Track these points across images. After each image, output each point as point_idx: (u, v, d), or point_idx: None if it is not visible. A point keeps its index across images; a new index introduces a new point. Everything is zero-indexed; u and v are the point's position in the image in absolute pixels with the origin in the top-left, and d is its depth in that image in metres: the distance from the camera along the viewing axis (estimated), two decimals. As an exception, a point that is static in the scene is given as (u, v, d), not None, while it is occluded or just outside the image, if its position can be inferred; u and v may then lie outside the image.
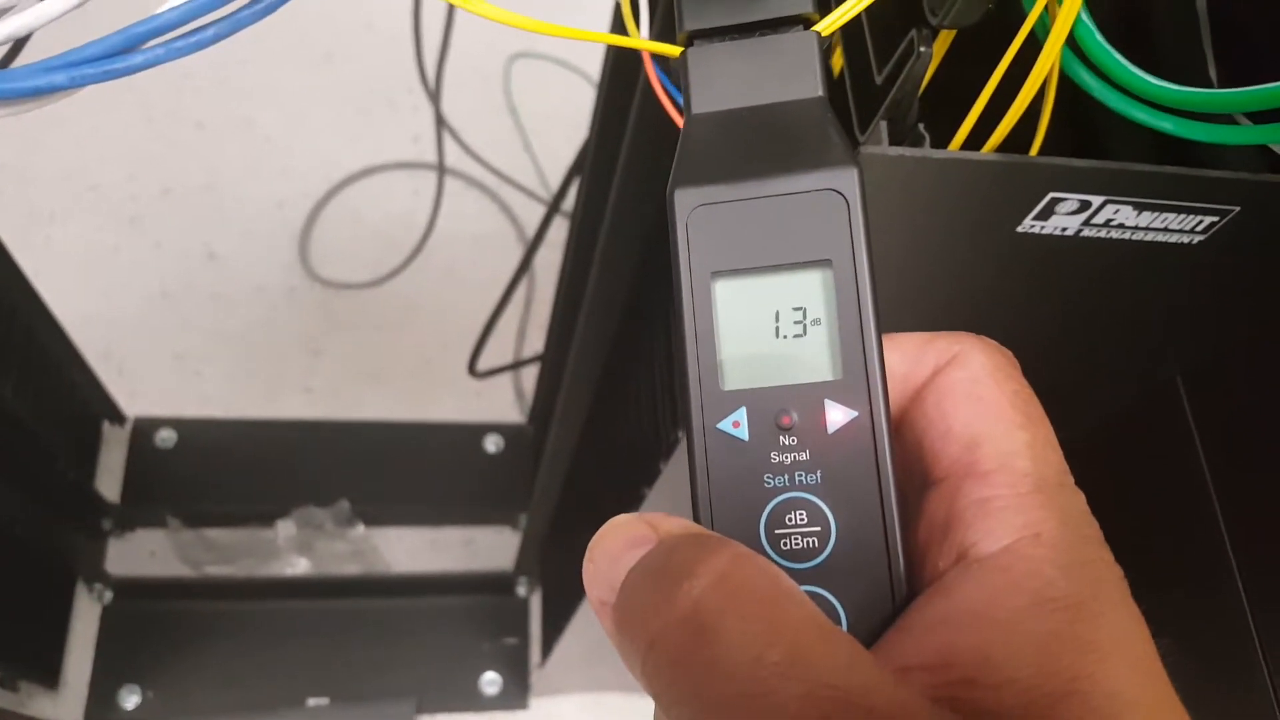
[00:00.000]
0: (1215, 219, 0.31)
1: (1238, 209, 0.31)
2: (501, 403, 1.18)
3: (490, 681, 1.04)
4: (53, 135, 1.26)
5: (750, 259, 0.22)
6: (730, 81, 0.24)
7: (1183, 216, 0.31)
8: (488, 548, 1.12)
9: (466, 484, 1.11)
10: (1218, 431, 0.38)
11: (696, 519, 0.22)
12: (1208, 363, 0.39)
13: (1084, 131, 0.35)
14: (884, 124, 0.30)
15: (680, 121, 0.26)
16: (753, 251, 0.22)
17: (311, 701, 0.99)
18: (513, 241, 1.28)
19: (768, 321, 0.22)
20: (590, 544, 0.21)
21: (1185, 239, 0.32)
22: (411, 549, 1.10)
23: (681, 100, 0.25)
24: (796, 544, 0.21)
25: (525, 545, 1.03)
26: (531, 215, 1.27)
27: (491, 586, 1.07)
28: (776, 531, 0.21)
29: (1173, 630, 0.38)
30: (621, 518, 0.21)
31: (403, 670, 1.03)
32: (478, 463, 1.12)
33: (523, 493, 1.08)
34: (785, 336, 0.21)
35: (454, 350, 1.11)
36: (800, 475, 0.21)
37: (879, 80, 0.31)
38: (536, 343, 1.12)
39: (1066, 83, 0.31)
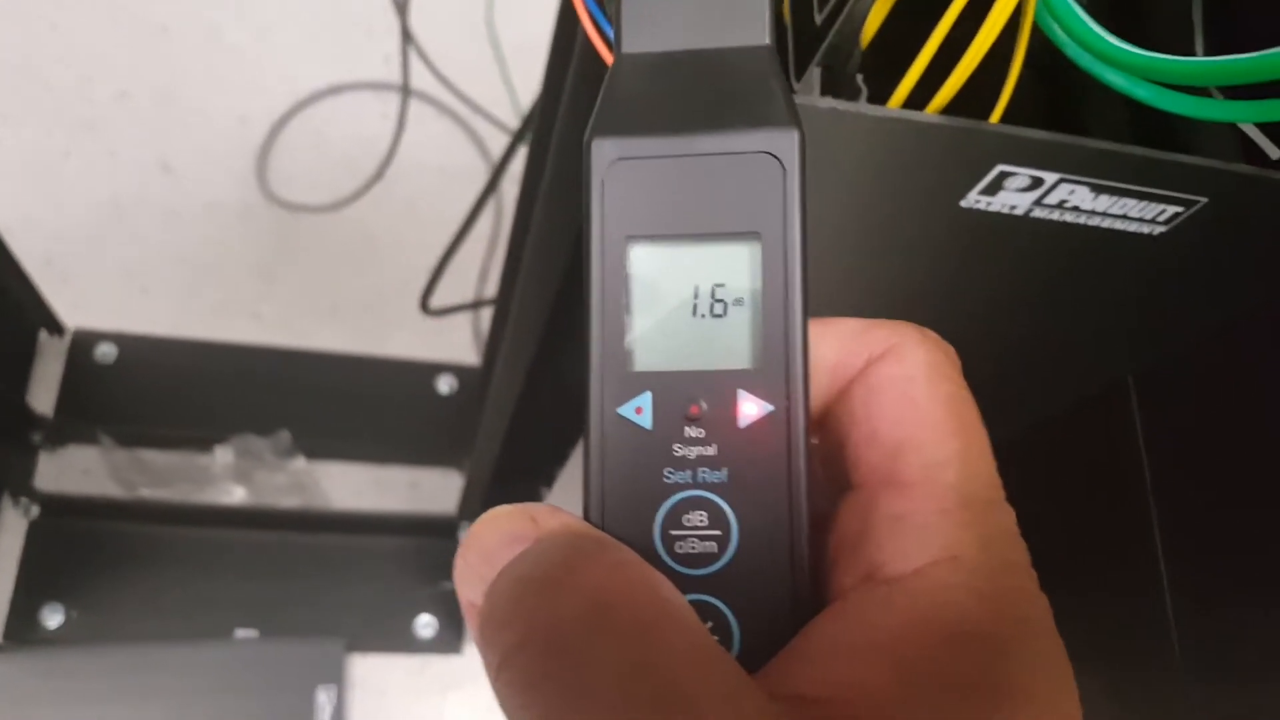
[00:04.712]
0: (1180, 209, 0.28)
1: (1205, 200, 0.27)
2: (459, 343, 1.15)
3: (425, 624, 1.02)
4: (6, 29, 1.19)
5: (671, 225, 0.19)
6: (667, 19, 0.21)
7: (1144, 204, 0.28)
8: (433, 490, 1.09)
9: (415, 424, 1.09)
10: (1166, 438, 0.35)
11: (587, 513, 0.19)
12: (1163, 365, 0.36)
13: (1062, 98, 0.31)
14: (818, 71, 0.27)
15: (609, 58, 0.23)
16: (675, 216, 0.19)
17: (240, 633, 0.97)
18: (482, 176, 1.23)
19: (685, 297, 0.19)
20: (465, 537, 0.19)
21: (1146, 229, 0.29)
22: (355, 486, 1.08)
23: (612, 34, 0.22)
24: (693, 548, 0.19)
25: (469, 490, 1.00)
26: (503, 149, 1.22)
27: (433, 529, 1.05)
28: (672, 533, 0.19)
29: (1095, 645, 0.36)
30: (502, 509, 0.19)
31: (336, 608, 1.01)
32: (428, 403, 1.09)
33: (473, 436, 1.05)
34: (703, 315, 0.19)
35: (412, 285, 1.07)
36: (704, 472, 0.19)
37: (819, 21, 0.27)
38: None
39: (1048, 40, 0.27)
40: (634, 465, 0.19)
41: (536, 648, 0.16)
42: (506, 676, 0.17)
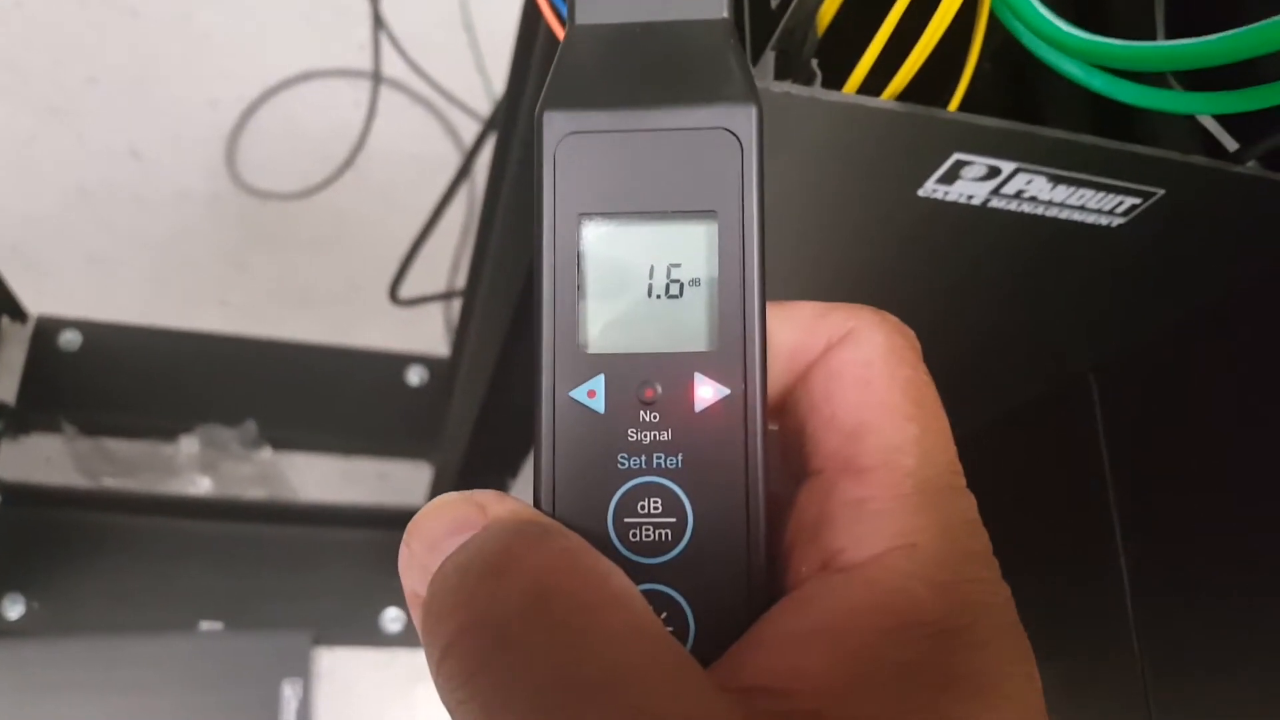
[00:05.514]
0: (1137, 201, 0.28)
1: (1162, 192, 0.27)
2: (430, 334, 1.14)
3: (393, 619, 1.01)
4: (-29, 9, 1.17)
5: (625, 202, 0.18)
6: None
7: (1101, 195, 0.28)
8: (403, 482, 1.08)
9: (385, 415, 1.07)
10: (1125, 429, 0.35)
11: (537, 501, 0.19)
12: (1123, 356, 0.36)
13: (1026, 91, 0.31)
14: (773, 55, 0.26)
15: (560, 33, 0.22)
16: (629, 193, 0.18)
17: (205, 625, 0.96)
18: (454, 164, 1.22)
19: (640, 277, 0.19)
20: (409, 525, 0.19)
21: (1104, 220, 0.29)
22: (323, 478, 1.06)
23: (565, 8, 0.21)
24: (647, 536, 0.18)
25: (438, 482, 0.99)
26: (475, 137, 1.21)
27: (402, 522, 1.01)
28: (626, 520, 0.18)
29: (1054, 635, 0.36)
30: (448, 497, 0.19)
31: (303, 600, 1.00)
32: (398, 394, 1.08)
33: (442, 427, 1.04)
34: (658, 296, 0.19)
35: (383, 274, 1.06)
36: (659, 458, 0.18)
37: (774, 3, 0.27)
38: (471, 274, 1.08)
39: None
40: (586, 450, 0.19)
41: (475, 637, 0.16)
42: (447, 669, 0.16)
